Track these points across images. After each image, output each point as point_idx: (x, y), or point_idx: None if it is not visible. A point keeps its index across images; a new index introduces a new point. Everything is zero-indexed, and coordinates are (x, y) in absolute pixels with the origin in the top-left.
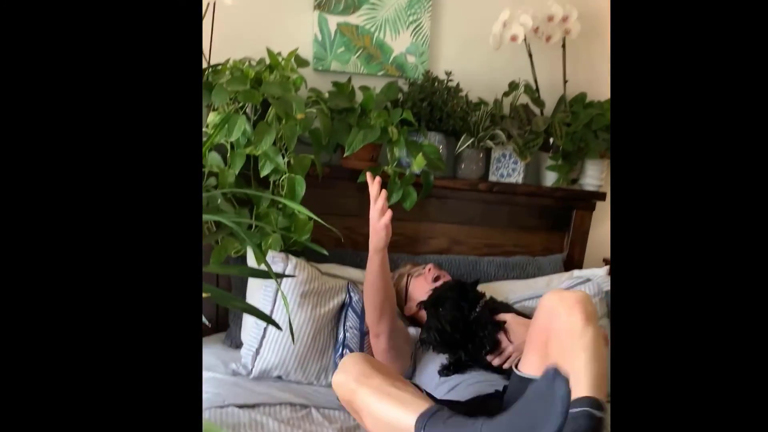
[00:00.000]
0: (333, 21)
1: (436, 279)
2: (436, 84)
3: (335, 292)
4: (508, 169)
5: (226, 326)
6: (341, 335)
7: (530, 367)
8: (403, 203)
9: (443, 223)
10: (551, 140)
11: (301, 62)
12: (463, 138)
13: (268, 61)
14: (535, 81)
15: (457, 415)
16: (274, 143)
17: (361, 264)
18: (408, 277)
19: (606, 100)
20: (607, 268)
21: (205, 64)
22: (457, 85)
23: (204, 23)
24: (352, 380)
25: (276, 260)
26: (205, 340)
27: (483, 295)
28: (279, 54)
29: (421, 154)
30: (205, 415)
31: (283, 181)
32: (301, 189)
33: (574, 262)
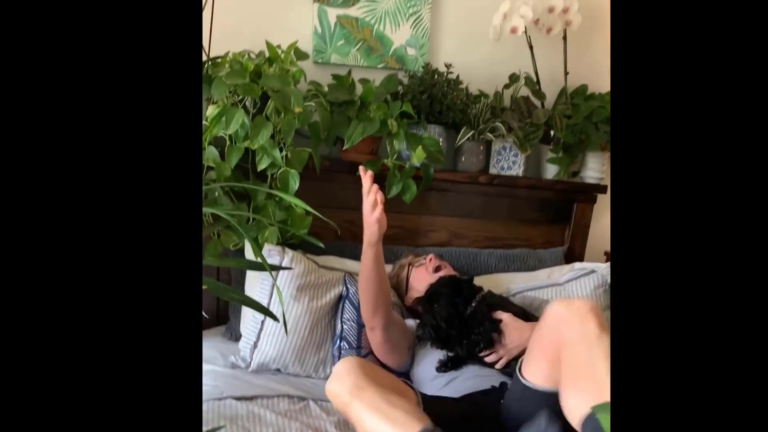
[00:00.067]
0: (333, 13)
1: (437, 269)
2: (436, 76)
3: (332, 285)
4: (509, 162)
5: (226, 319)
6: (339, 327)
7: (537, 377)
8: (403, 196)
9: (443, 216)
10: (552, 133)
11: (301, 55)
12: (463, 130)
13: (267, 54)
14: (536, 73)
15: None
16: (272, 137)
17: (360, 256)
18: (409, 267)
19: (607, 92)
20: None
21: (204, 57)
22: (457, 77)
23: (203, 16)
24: (345, 392)
25: (272, 253)
26: (205, 332)
27: (480, 289)
28: (278, 47)
29: (420, 146)
30: (204, 407)
31: (280, 174)
32: (295, 183)
33: (575, 255)
